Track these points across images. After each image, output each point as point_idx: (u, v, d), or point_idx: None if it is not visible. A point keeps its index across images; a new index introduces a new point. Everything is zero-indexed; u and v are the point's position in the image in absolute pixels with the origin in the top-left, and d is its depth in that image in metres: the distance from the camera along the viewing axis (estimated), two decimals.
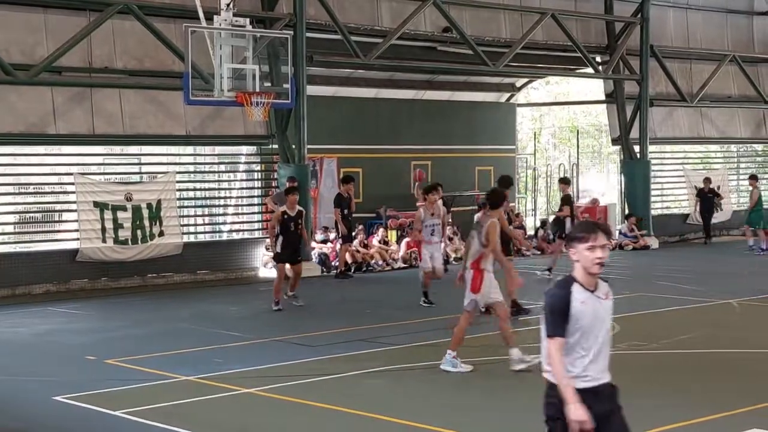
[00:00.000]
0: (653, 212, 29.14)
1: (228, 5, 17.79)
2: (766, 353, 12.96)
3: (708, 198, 27.89)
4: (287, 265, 16.79)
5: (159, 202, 20.65)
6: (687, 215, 30.58)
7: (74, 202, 19.73)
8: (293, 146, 22.06)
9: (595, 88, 29.81)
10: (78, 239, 19.68)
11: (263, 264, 22.11)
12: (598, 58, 28.05)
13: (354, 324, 15.26)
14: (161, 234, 20.63)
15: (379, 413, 9.98)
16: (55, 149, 19.87)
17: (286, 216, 16.64)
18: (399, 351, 12.86)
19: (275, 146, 22.51)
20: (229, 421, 9.76)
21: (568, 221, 20.56)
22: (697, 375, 11.91)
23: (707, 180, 28.10)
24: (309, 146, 22.25)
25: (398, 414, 9.97)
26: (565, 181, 23.06)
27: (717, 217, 29.63)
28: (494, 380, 11.80)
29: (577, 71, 28.64)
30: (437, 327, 14.87)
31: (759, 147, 33.72)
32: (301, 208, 17.00)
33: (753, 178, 28.02)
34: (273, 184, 22.39)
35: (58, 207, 19.98)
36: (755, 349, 13.21)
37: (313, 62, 22.00)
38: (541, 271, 20.98)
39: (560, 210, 21.71)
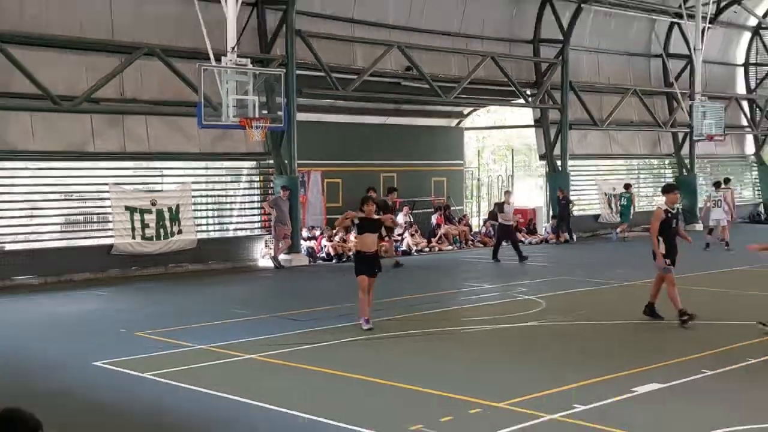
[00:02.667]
0: (574, 212, 29.23)
1: (233, 48, 17.85)
2: (662, 324, 13.05)
3: (562, 204, 27.66)
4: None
5: (178, 206, 20.64)
6: (598, 215, 30.80)
7: (109, 207, 19.75)
8: (286, 161, 22.05)
9: (526, 115, 29.91)
10: (112, 236, 19.63)
11: (261, 255, 22.16)
12: (528, 92, 28.16)
13: (336, 303, 15.25)
14: (179, 232, 20.62)
15: (355, 373, 10.04)
16: (94, 164, 19.70)
17: None
18: (376, 324, 12.82)
19: (271, 161, 22.49)
20: (236, 380, 9.81)
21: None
22: (605, 340, 12.03)
23: (560, 190, 27.75)
24: (298, 161, 22.24)
25: (371, 374, 10.02)
26: (507, 193, 24.27)
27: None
28: (446, 343, 11.86)
29: (512, 102, 28.75)
30: (402, 305, 14.95)
31: (655, 161, 33.89)
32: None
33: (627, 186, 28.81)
34: (269, 192, 22.37)
35: (96, 211, 19.85)
36: (656, 321, 13.30)
37: (301, 94, 21.95)
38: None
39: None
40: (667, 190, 13.88)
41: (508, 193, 24.54)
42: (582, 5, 27.85)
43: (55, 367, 10.66)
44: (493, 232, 26.55)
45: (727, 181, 27.75)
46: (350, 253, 22.92)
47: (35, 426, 3.97)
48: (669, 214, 13.13)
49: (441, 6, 25.50)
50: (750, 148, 37.23)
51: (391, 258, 19.02)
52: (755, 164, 37.07)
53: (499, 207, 23.28)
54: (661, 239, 12.95)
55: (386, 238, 18.96)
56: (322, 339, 12.09)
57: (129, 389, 9.54)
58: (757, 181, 36.79)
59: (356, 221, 12.89)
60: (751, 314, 12.71)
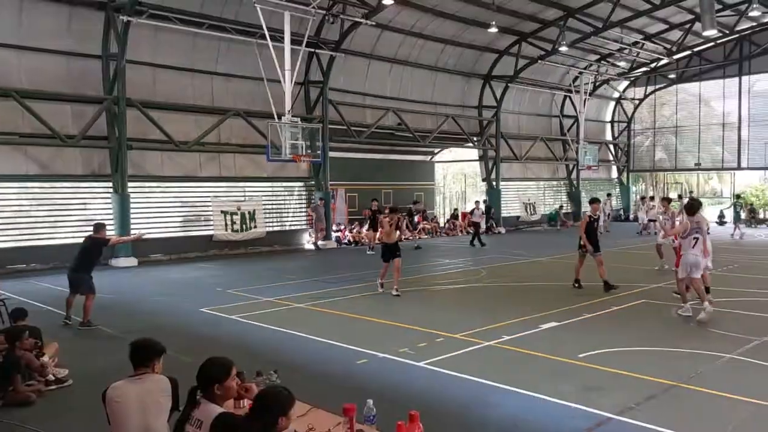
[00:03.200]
0: (503, 214, 29.25)
1: (288, 111, 17.94)
2: (557, 284, 13.06)
3: (489, 209, 27.39)
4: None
5: (254, 210, 20.67)
6: (519, 216, 30.78)
7: (211, 211, 19.74)
8: (322, 182, 22.05)
9: (474, 152, 29.86)
10: (212, 229, 19.63)
11: (306, 241, 22.14)
12: (475, 138, 28.12)
13: (355, 272, 15.30)
14: (255, 227, 20.61)
15: (365, 316, 10.05)
16: (201, 184, 19.75)
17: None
18: (375, 285, 12.82)
19: (312, 182, 22.47)
20: (290, 320, 9.87)
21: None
22: (523, 295, 12.03)
23: (484, 201, 26.95)
24: (330, 182, 22.26)
25: (376, 316, 10.01)
26: (476, 203, 23.99)
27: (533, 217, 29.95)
28: (421, 297, 11.85)
29: (465, 144, 28.71)
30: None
31: (554, 183, 33.62)
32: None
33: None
34: (311, 201, 22.33)
35: (202, 213, 19.82)
36: (555, 282, 13.32)
37: (331, 140, 21.97)
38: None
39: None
40: (591, 202, 13.19)
41: (477, 202, 24.27)
42: (508, 84, 27.85)
43: (176, 311, 10.70)
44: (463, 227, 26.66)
45: (604, 197, 27.83)
46: (364, 240, 23.04)
47: (161, 349, 4.00)
48: (591, 219, 12.58)
49: (420, 84, 25.50)
50: (614, 174, 37.24)
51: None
52: (617, 184, 37.06)
53: (471, 212, 23.56)
54: (584, 234, 12.36)
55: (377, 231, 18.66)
56: (345, 294, 12.14)
57: (224, 325, 9.62)
58: (619, 194, 36.78)
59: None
60: (614, 279, 12.73)
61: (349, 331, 9.09)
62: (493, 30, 22.31)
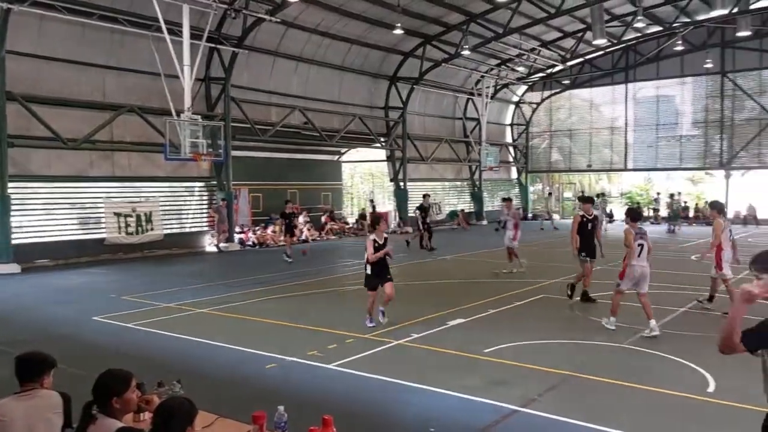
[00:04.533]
0: (411, 214, 29.57)
1: (188, 108, 17.32)
2: (463, 281, 13.42)
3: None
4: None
5: (151, 212, 19.78)
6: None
7: (103, 213, 18.67)
8: (224, 182, 21.44)
9: (381, 153, 30.14)
10: (105, 232, 18.58)
11: (208, 244, 21.49)
12: (382, 139, 28.38)
13: (257, 275, 14.96)
14: (152, 229, 19.72)
15: (271, 319, 9.86)
16: (92, 184, 18.67)
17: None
18: (284, 287, 12.64)
19: (214, 182, 21.80)
20: (191, 327, 9.48)
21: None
22: (433, 293, 12.25)
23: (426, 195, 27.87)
24: (233, 182, 21.67)
25: (283, 319, 9.85)
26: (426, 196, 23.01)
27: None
28: (331, 298, 11.80)
29: (372, 145, 28.90)
30: (302, 273, 14.81)
31: (458, 183, 34.55)
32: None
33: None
34: (213, 202, 21.67)
35: (93, 215, 18.70)
36: (461, 279, 13.67)
37: (234, 138, 21.41)
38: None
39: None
40: (583, 201, 11.85)
41: (426, 195, 23.46)
42: (414, 86, 28.36)
43: (66, 320, 10.02)
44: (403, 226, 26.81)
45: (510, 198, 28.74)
46: (269, 242, 22.66)
47: (51, 362, 3.72)
48: (584, 219, 11.10)
49: (326, 83, 25.40)
50: (514, 174, 38.85)
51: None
52: (517, 184, 38.69)
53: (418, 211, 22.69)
54: (578, 237, 11.06)
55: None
56: (250, 297, 11.85)
57: (119, 334, 9.10)
58: (518, 193, 38.39)
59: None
60: (511, 276, 13.24)
61: (255, 335, 8.89)
62: (399, 32, 22.62)
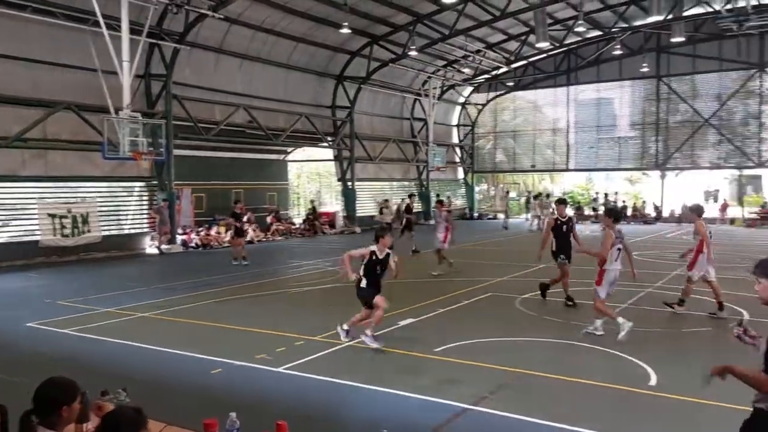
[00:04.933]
0: (359, 214, 29.65)
1: (127, 105, 16.80)
2: (413, 281, 13.48)
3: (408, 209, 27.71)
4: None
5: (88, 213, 19.05)
6: (373, 216, 31.27)
7: (36, 214, 17.87)
8: (166, 182, 20.88)
9: (328, 152, 30.02)
10: (38, 234, 17.77)
11: (149, 245, 20.88)
12: (329, 138, 28.27)
13: (201, 277, 14.63)
14: (89, 231, 18.99)
15: (217, 323, 9.67)
16: (24, 184, 17.86)
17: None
18: (230, 289, 12.42)
19: (155, 181, 21.20)
20: (133, 332, 9.17)
21: None
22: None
23: (410, 196, 27.78)
24: (175, 181, 21.14)
25: (228, 322, 9.68)
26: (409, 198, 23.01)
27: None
28: (278, 300, 11.65)
29: (319, 144, 28.75)
30: (249, 275, 14.58)
31: (406, 183, 34.43)
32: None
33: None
34: (154, 202, 21.07)
35: (27, 217, 17.93)
36: (410, 279, 13.71)
37: (176, 137, 20.88)
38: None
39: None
40: (558, 203, 11.58)
41: (410, 198, 22.95)
42: (361, 86, 28.36)
43: None
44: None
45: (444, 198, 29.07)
46: (213, 243, 22.18)
47: None
48: (559, 221, 10.91)
49: (272, 81, 25.09)
50: (460, 174, 39.38)
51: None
52: (463, 184, 39.24)
53: (380, 211, 22.31)
54: (554, 239, 10.90)
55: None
56: (194, 300, 11.56)
57: (56, 340, 8.72)
58: (464, 193, 38.94)
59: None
60: (458, 275, 13.40)
61: (200, 339, 8.67)
62: (346, 31, 22.57)
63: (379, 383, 6.60)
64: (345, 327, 8.36)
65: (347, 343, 8.24)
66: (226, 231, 23.16)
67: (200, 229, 22.87)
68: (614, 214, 8.90)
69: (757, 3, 24.58)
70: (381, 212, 22.59)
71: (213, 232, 22.91)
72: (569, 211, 11.96)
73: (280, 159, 28.82)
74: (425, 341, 8.30)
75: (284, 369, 7.16)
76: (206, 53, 22.12)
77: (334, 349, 8.05)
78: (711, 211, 31.09)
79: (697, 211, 10.33)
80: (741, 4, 24.39)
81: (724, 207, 31.23)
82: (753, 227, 28.59)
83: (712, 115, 31.34)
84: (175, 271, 16.18)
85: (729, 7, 24.97)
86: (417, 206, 34.22)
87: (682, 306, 10.07)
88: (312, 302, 11.90)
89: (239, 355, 7.63)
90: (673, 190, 33.23)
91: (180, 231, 21.92)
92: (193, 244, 21.79)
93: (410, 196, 20.25)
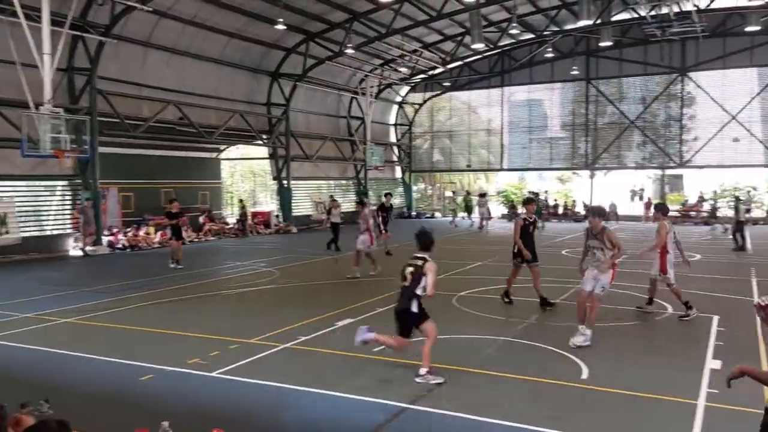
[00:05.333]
0: (294, 213, 29.41)
1: (48, 101, 16.03)
2: (351, 280, 13.46)
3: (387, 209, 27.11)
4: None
5: (5, 213, 18.09)
6: (310, 215, 31.11)
7: None
8: (90, 180, 20.08)
9: (263, 150, 29.61)
10: None
11: (72, 247, 19.98)
12: (264, 136, 27.87)
13: (128, 279, 14.12)
14: (7, 232, 18.01)
15: (147, 327, 9.36)
16: None
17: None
18: (161, 292, 12.05)
19: (79, 180, 20.34)
20: (57, 338, 8.78)
21: None
22: (318, 294, 12.18)
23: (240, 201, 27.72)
24: (100, 180, 20.34)
25: (159, 327, 9.39)
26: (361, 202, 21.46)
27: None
28: (212, 302, 11.38)
29: (253, 142, 28.32)
30: (181, 277, 14.17)
31: (344, 182, 34.69)
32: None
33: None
34: (78, 202, 20.18)
35: None
36: (349, 278, 13.71)
37: (102, 134, 20.08)
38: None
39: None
40: (525, 202, 11.26)
41: (388, 194, 21.94)
42: (297, 83, 28.10)
43: None
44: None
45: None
46: (141, 244, 21.44)
47: None
48: (527, 222, 10.75)
49: (204, 77, 24.53)
50: (398, 173, 39.64)
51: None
52: (401, 183, 39.51)
53: (329, 211, 21.30)
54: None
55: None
56: (122, 304, 11.15)
57: None
58: (402, 192, 39.21)
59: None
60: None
61: (129, 345, 8.36)
62: (281, 27, 22.30)
63: (317, 385, 6.55)
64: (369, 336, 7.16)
65: (284, 346, 8.14)
66: (156, 232, 22.51)
67: (128, 229, 22.08)
68: (665, 209, 10.30)
69: (679, 10, 25.92)
70: (329, 212, 22.08)
71: (142, 232, 22.17)
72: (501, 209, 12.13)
73: (212, 157, 28.20)
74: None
75: (218, 373, 6.99)
76: (134, 47, 21.37)
77: (270, 351, 7.94)
78: (637, 209, 32.71)
79: (662, 210, 10.49)
80: (665, 11, 25.66)
81: (648, 205, 32.77)
82: (675, 224, 30.08)
83: (637, 117, 32.84)
84: (101, 274, 15.56)
85: (653, 13, 26.21)
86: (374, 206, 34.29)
87: (692, 309, 9.79)
88: (247, 304, 11.68)
89: (171, 361, 7.41)
90: (601, 189, 34.63)
91: (106, 232, 21.11)
92: (120, 245, 21.02)
93: (387, 194, 19.67)
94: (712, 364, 7.22)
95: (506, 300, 10.85)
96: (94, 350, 7.94)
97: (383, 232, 17.51)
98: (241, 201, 29.22)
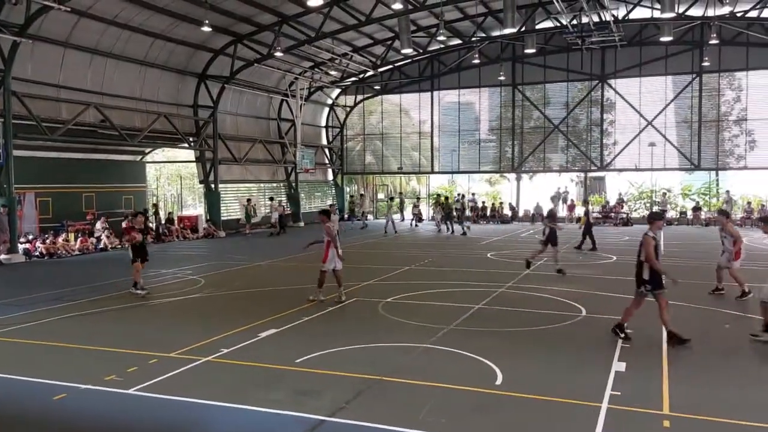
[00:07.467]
0: (222, 218, 28.94)
1: None
2: (275, 289, 13.42)
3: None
4: None
5: None
6: (238, 219, 30.70)
7: None
8: (5, 186, 19.13)
9: (190, 153, 28.99)
10: None
11: None
12: (191, 139, 27.32)
13: (47, 290, 13.59)
14: None
15: (62, 342, 9.07)
16: None
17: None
18: (79, 304, 11.66)
19: None
20: None
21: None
22: (241, 304, 12.07)
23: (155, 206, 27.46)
24: (16, 185, 19.42)
25: (75, 341, 9.13)
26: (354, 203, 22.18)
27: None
28: (131, 314, 11.11)
29: (179, 145, 27.69)
30: (101, 288, 13.74)
31: (274, 184, 34.35)
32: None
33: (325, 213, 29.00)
34: None
35: None
36: (272, 287, 13.64)
37: (17, 137, 19.19)
38: None
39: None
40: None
41: (361, 197, 21.46)
42: (225, 85, 27.68)
43: None
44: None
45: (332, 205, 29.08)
46: (60, 251, 20.60)
47: None
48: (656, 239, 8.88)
49: (126, 78, 23.83)
50: (330, 176, 39.64)
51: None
52: (333, 186, 39.51)
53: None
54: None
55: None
56: (35, 318, 10.74)
57: None
58: (335, 195, 39.23)
59: None
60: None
61: (41, 361, 8.10)
62: (207, 29, 21.93)
63: (234, 399, 6.56)
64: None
65: (205, 359, 8.09)
66: (76, 239, 21.70)
67: (46, 236, 21.17)
68: (728, 213, 12.20)
69: (598, 20, 27.13)
70: (270, 211, 22.17)
71: (60, 239, 21.31)
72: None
73: (136, 160, 27.42)
74: (287, 352, 8.33)
75: (136, 390, 6.89)
76: (51, 47, 20.55)
77: (191, 365, 7.86)
78: (560, 211, 33.98)
79: (726, 214, 12.26)
80: (585, 20, 26.80)
81: (572, 207, 34.13)
82: (597, 225, 31.47)
83: (560, 121, 34.14)
84: (14, 285, 14.87)
85: (574, 23, 27.33)
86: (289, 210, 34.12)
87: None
88: (170, 315, 11.45)
89: (86, 378, 7.24)
90: (527, 192, 35.76)
91: (22, 239, 20.19)
92: (37, 253, 20.14)
93: (361, 195, 19.32)
94: (617, 366, 7.66)
95: (622, 335, 8.97)
96: (4, 368, 7.65)
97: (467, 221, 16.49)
98: (155, 206, 28.49)
